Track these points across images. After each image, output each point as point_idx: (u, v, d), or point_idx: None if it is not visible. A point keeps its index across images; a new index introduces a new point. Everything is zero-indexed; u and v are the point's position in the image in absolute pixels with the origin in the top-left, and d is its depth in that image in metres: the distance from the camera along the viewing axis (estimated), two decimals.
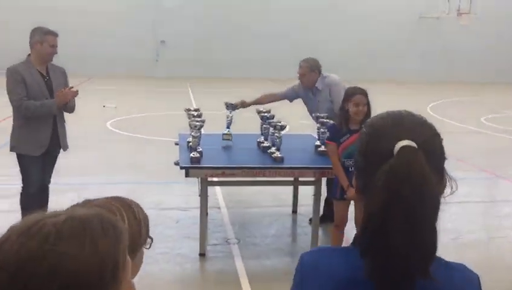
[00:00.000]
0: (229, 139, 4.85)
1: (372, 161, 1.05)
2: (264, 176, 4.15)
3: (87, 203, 1.19)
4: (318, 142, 4.70)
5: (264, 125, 4.70)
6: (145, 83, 18.82)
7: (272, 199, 5.93)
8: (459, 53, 23.10)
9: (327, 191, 4.78)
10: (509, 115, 13.53)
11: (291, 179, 4.79)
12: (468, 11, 21.34)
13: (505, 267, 4.37)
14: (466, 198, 6.29)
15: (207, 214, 4.39)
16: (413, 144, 1.02)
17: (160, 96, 15.86)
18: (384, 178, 0.99)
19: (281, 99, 5.32)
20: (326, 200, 4.91)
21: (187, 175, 4.08)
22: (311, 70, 4.91)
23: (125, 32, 21.33)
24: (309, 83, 4.93)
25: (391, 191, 0.97)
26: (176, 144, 5.17)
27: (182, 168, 4.05)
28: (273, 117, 4.64)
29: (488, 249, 4.80)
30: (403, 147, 1.01)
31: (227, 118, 5.03)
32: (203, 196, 4.26)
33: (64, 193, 5.72)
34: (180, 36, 21.82)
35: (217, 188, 5.94)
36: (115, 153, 8.23)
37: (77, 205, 1.13)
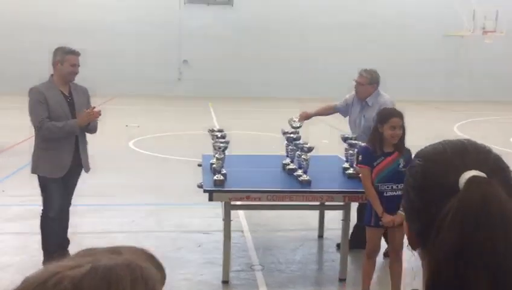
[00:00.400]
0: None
1: (433, 197, 0.87)
2: (290, 200, 3.98)
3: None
4: (346, 164, 4.51)
5: (290, 147, 4.53)
6: (167, 103, 18.90)
7: (296, 222, 5.73)
8: (484, 72, 22.69)
9: (357, 217, 4.57)
10: None
11: (317, 203, 4.60)
12: (494, 29, 20.99)
13: None
14: None
15: (230, 239, 4.21)
16: (483, 174, 0.85)
17: (182, 115, 15.86)
18: (452, 217, 0.81)
19: (335, 112, 5.21)
20: (356, 226, 4.70)
21: (211, 199, 3.93)
22: (370, 82, 4.71)
23: (148, 51, 21.56)
24: (362, 94, 4.73)
25: (464, 232, 0.79)
26: (199, 165, 5.04)
27: (205, 191, 3.90)
28: (299, 138, 4.48)
29: None
30: (472, 178, 0.84)
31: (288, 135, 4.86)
32: (227, 220, 4.09)
33: (84, 215, 5.64)
34: (203, 56, 21.95)
35: (240, 211, 5.78)
36: (136, 173, 8.14)
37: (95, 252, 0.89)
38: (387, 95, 4.75)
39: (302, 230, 5.58)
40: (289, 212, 5.56)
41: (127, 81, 21.08)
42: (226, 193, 3.90)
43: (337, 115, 5.43)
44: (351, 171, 4.38)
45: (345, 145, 4.52)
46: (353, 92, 4.95)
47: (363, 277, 3.87)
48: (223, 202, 4.15)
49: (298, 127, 4.68)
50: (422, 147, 1.01)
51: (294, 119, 4.75)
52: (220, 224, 5.59)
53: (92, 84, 4.61)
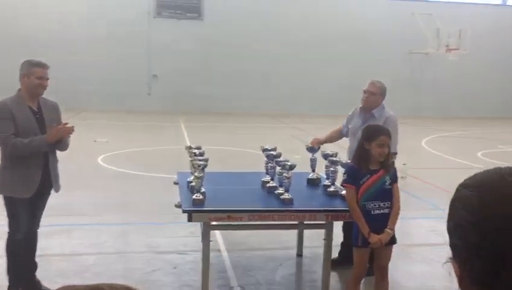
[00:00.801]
0: (317, 184, 4.61)
1: (495, 230, 0.78)
2: (272, 219, 3.84)
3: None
4: (327, 182, 4.42)
5: (270, 164, 4.41)
6: (137, 118, 18.57)
7: (274, 240, 5.59)
8: (448, 88, 23.28)
9: (344, 235, 4.49)
10: (504, 150, 13.44)
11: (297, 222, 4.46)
12: (457, 47, 21.60)
13: None
14: None
15: (209, 261, 4.04)
16: None
17: (152, 130, 15.59)
18: None
19: (343, 137, 5.05)
20: (343, 244, 4.62)
21: (190, 219, 3.76)
22: (381, 93, 4.68)
23: (117, 66, 21.23)
24: (372, 104, 4.63)
25: None
26: (175, 183, 4.87)
27: (184, 211, 3.73)
28: (280, 155, 4.37)
29: None
30: None
31: (311, 161, 4.70)
32: (206, 242, 3.92)
33: (51, 236, 5.36)
34: (173, 70, 21.77)
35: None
36: (106, 190, 7.86)
37: None
38: (391, 112, 4.71)
39: (280, 249, 5.46)
40: (266, 230, 5.44)
41: (95, 96, 20.67)
42: (206, 213, 3.74)
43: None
44: (332, 189, 4.30)
45: (326, 162, 4.43)
46: (354, 109, 4.86)
47: None
48: (202, 223, 3.98)
49: (316, 150, 4.62)
50: (466, 178, 0.91)
51: (310, 145, 4.68)
52: (195, 244, 5.42)
53: (60, 99, 4.36)
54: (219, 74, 22.04)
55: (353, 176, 3.59)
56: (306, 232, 5.14)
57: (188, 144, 12.44)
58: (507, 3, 24.42)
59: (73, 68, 20.08)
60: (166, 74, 21.83)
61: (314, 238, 5.56)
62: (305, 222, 4.18)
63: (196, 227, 5.90)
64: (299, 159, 6.97)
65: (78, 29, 20.77)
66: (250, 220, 3.82)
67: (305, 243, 5.23)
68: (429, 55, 22.75)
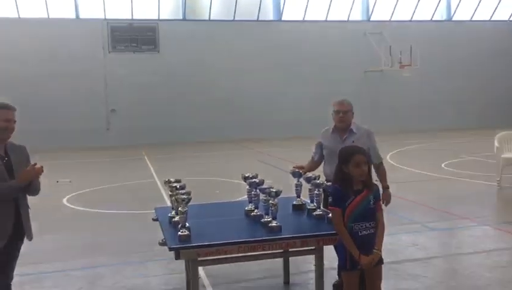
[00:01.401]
0: (303, 209, 4.48)
1: None
2: (263, 249, 3.72)
3: None
4: (312, 206, 4.35)
5: (253, 192, 4.30)
6: (98, 154, 18.14)
7: (257, 270, 5.43)
8: (404, 103, 23.91)
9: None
10: (466, 159, 13.81)
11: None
12: (409, 63, 22.30)
13: None
14: (458, 250, 6.07)
15: None
16: None
17: (116, 166, 15.22)
18: None
19: (319, 165, 4.92)
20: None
21: (178, 257, 3.58)
22: (351, 109, 4.71)
23: (74, 102, 20.79)
24: (348, 122, 4.67)
25: None
26: (154, 219, 4.67)
27: (171, 249, 3.55)
28: (263, 182, 4.27)
29: None
30: None
31: (296, 186, 4.57)
32: (194, 280, 3.75)
33: (21, 287, 5.03)
34: (131, 104, 21.50)
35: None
36: (75, 232, 7.51)
37: None
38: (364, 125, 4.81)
39: (265, 278, 5.30)
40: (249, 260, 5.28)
41: (52, 134, 20.10)
42: (194, 248, 3.57)
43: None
44: (318, 212, 4.22)
45: (309, 186, 4.36)
46: (323, 132, 4.87)
47: None
48: (188, 259, 3.81)
49: (301, 175, 4.50)
50: None
51: (295, 172, 4.55)
52: (177, 281, 5.22)
53: (17, 140, 4.08)
54: (180, 105, 21.89)
55: (338, 198, 3.53)
56: (291, 258, 5.03)
57: (155, 177, 12.26)
58: (452, 19, 25.48)
59: (30, 108, 19.48)
60: (124, 108, 21.50)
61: (299, 264, 5.46)
62: (293, 249, 4.05)
63: (175, 264, 5.68)
64: (272, 184, 6.87)
65: (34, 69, 20.30)
66: (240, 252, 3.68)
67: (291, 269, 5.12)
68: (384, 72, 23.38)
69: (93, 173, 13.46)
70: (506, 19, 26.11)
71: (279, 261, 5.23)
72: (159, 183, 11.48)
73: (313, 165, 4.90)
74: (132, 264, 5.89)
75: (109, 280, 5.36)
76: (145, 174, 12.84)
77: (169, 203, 8.54)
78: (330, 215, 4.04)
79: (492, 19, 25.72)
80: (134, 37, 21.92)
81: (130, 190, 10.95)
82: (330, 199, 3.65)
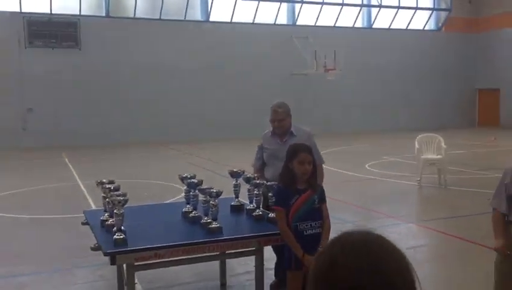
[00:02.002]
0: (242, 210, 4.37)
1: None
2: (204, 252, 3.61)
3: None
4: (251, 206, 4.30)
5: (191, 193, 4.18)
6: (14, 156, 17.02)
7: (192, 273, 5.29)
8: (329, 106, 24.63)
9: (277, 256, 4.37)
10: (388, 160, 14.43)
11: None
12: (333, 67, 23.01)
13: None
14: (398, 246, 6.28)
15: None
16: None
17: (34, 168, 14.34)
18: None
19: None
20: (278, 264, 4.51)
21: (113, 262, 3.39)
22: (287, 114, 4.59)
23: None
24: (287, 128, 4.57)
25: None
26: (84, 223, 4.41)
27: (106, 254, 3.35)
28: (201, 183, 4.16)
29: None
30: None
31: (235, 187, 4.43)
32: (131, 285, 3.57)
33: None
34: (50, 103, 20.41)
35: (124, 269, 5.17)
36: None
37: None
38: (305, 126, 4.73)
39: (200, 281, 5.19)
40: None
41: None
42: (132, 253, 3.39)
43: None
44: (257, 212, 4.18)
45: (248, 186, 4.31)
46: (263, 135, 4.78)
47: None
48: (124, 264, 3.63)
49: (240, 175, 4.37)
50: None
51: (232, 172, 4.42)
52: (108, 288, 4.96)
53: None
54: (103, 105, 21.10)
55: (282, 197, 3.51)
56: (227, 260, 4.95)
57: (78, 180, 11.69)
58: (372, 27, 26.63)
59: None
60: (43, 107, 20.35)
61: (235, 265, 5.39)
62: (235, 251, 3.98)
63: (105, 270, 5.42)
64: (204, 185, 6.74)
65: None
66: (180, 255, 3.55)
67: (228, 271, 5.04)
68: (309, 76, 23.94)
69: (10, 176, 12.58)
70: (421, 28, 27.71)
71: (213, 263, 5.14)
72: (82, 186, 10.96)
73: (262, 173, 4.72)
74: (58, 271, 5.53)
75: (36, 289, 4.99)
76: (67, 177, 12.21)
77: (94, 207, 8.20)
78: (270, 215, 4.02)
79: (408, 28, 27.18)
80: (54, 32, 20.79)
81: (51, 194, 10.35)
82: (273, 199, 3.62)
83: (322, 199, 3.62)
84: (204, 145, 19.51)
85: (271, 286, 4.73)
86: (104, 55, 21.17)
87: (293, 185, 3.51)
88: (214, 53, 22.70)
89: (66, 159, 15.80)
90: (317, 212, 3.55)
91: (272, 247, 4.12)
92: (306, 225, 3.49)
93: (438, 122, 25.72)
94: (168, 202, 8.22)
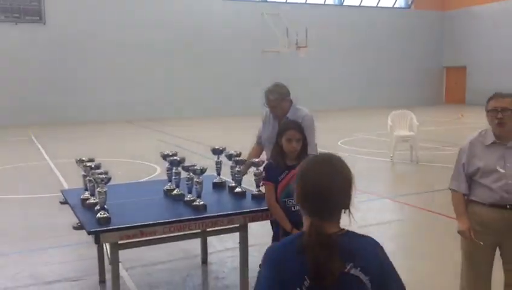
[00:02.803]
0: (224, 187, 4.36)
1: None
2: (189, 229, 3.58)
3: None
4: (233, 183, 4.28)
5: (174, 170, 4.12)
6: None
7: (172, 251, 5.27)
8: (301, 84, 24.65)
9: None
10: (359, 137, 14.62)
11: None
12: (305, 44, 22.96)
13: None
14: (363, 222, 6.39)
15: (119, 285, 3.63)
16: None
17: (2, 147, 13.91)
18: None
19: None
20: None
21: (98, 241, 3.33)
22: (282, 99, 4.25)
23: None
24: (282, 112, 4.27)
25: None
26: (62, 202, 4.31)
27: (90, 233, 3.29)
28: (184, 160, 4.11)
29: (410, 271, 4.80)
30: None
31: (217, 164, 4.35)
32: (115, 264, 3.52)
33: None
34: (14, 80, 19.74)
35: (105, 248, 5.11)
36: None
37: None
38: (306, 108, 4.40)
39: (181, 259, 5.17)
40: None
41: None
42: (116, 231, 3.33)
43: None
44: (239, 189, 4.16)
45: (231, 163, 4.28)
46: (264, 113, 4.51)
47: None
48: (107, 243, 3.57)
49: (221, 152, 4.34)
50: None
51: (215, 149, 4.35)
52: (88, 268, 4.90)
53: None
54: (69, 81, 20.57)
55: (271, 173, 3.50)
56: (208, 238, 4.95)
57: (47, 159, 11.41)
58: (343, 4, 26.62)
59: None
60: (6, 84, 19.68)
61: (216, 243, 5.40)
62: (219, 228, 3.96)
63: (83, 249, 5.35)
64: None
65: None
66: (165, 233, 3.52)
67: (209, 249, 5.05)
68: (281, 53, 23.84)
69: None
70: (391, 6, 27.89)
71: (194, 242, 5.13)
72: (52, 165, 10.72)
73: (259, 150, 4.56)
74: (35, 251, 5.42)
75: (11, 269, 4.88)
76: (36, 156, 11.92)
77: (67, 186, 8.03)
78: (255, 192, 4.02)
79: (379, 5, 27.31)
80: (16, 6, 20.01)
81: (20, 174, 10.09)
82: (263, 174, 3.60)
83: None
84: (176, 123, 19.32)
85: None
86: (70, 29, 20.55)
87: (282, 161, 3.50)
88: (184, 30, 22.33)
89: (34, 138, 15.39)
90: None
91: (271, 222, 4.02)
92: (293, 201, 3.48)
93: (406, 100, 26.14)
94: (145, 180, 8.13)
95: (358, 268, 1.64)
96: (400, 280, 1.78)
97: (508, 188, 3.01)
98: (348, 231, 1.70)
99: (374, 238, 1.74)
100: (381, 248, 1.72)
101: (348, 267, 1.63)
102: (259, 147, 4.54)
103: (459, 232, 3.20)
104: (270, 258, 1.69)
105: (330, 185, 1.66)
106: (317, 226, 1.65)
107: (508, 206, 3.04)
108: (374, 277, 1.66)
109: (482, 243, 3.11)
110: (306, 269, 1.61)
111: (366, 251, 1.69)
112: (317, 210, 1.68)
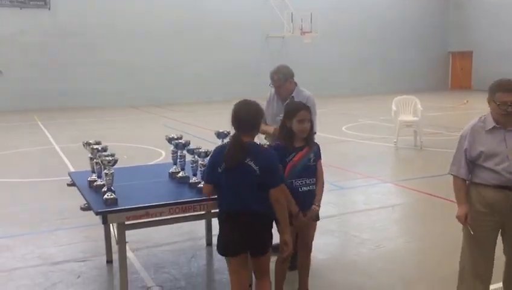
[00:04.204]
0: None
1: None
2: (194, 211, 3.65)
3: None
4: None
5: (179, 153, 4.18)
6: None
7: (178, 233, 5.37)
8: (305, 69, 24.56)
9: None
10: (364, 123, 14.63)
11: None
12: (310, 30, 22.88)
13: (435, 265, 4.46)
14: (367, 206, 6.46)
15: (126, 265, 3.71)
16: None
17: (6, 132, 14.02)
18: None
19: None
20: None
21: (105, 221, 3.41)
22: (285, 80, 4.42)
23: None
24: (287, 93, 4.44)
25: None
26: (70, 184, 4.39)
27: (97, 213, 3.37)
28: (189, 143, 4.16)
29: (413, 253, 4.88)
30: None
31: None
32: (122, 244, 3.60)
33: None
34: (20, 65, 19.79)
35: (112, 229, 5.20)
36: None
37: None
38: (307, 91, 4.55)
39: (186, 241, 5.26)
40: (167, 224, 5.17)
41: None
42: (123, 212, 3.41)
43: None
44: None
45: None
46: (269, 94, 4.66)
47: (277, 281, 3.73)
48: (115, 224, 3.65)
49: (226, 136, 4.21)
50: None
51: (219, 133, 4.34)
52: (94, 248, 5.01)
53: None
54: (75, 67, 20.58)
55: (280, 154, 3.54)
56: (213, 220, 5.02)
57: (53, 143, 11.51)
58: None
59: None
60: (12, 70, 19.74)
61: (216, 225, 5.46)
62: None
63: (89, 231, 5.46)
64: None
65: None
66: (171, 214, 3.59)
67: (215, 231, 5.12)
68: (286, 38, 23.77)
69: None
70: None
71: (199, 224, 5.22)
72: (58, 149, 10.83)
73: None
74: (42, 233, 5.53)
75: (20, 250, 4.99)
76: (42, 141, 12.03)
77: (72, 169, 8.13)
78: None
79: None
80: None
81: (27, 158, 10.21)
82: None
83: (318, 155, 3.66)
84: (180, 108, 19.37)
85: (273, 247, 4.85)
86: (75, 15, 20.51)
87: (291, 143, 3.55)
88: (188, 14, 22.25)
89: (39, 123, 15.50)
90: (312, 169, 3.61)
91: None
92: (301, 182, 3.54)
93: (411, 86, 26.05)
94: (154, 163, 8.21)
95: (253, 161, 3.03)
96: (278, 175, 3.15)
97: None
98: (255, 143, 3.17)
99: (273, 152, 3.28)
100: (274, 154, 3.23)
101: (247, 160, 3.03)
102: (262, 126, 4.63)
103: (456, 217, 3.27)
104: (212, 154, 3.28)
105: (245, 114, 3.11)
106: (236, 135, 3.11)
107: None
108: (261, 167, 3.03)
109: (472, 232, 3.21)
110: (224, 157, 3.07)
111: (261, 154, 3.09)
112: (238, 127, 3.12)
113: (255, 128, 3.14)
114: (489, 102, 3.16)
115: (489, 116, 3.19)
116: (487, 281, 3.32)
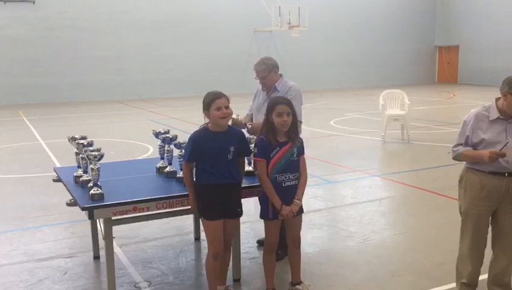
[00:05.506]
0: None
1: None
2: (181, 205, 3.63)
3: None
4: None
5: (166, 148, 4.15)
6: None
7: (165, 228, 5.36)
8: (293, 63, 24.57)
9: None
10: (352, 117, 14.67)
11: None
12: (298, 24, 22.85)
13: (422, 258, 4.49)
14: (354, 200, 6.49)
15: (113, 260, 3.68)
16: None
17: None
18: None
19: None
20: None
21: (91, 217, 3.37)
22: (269, 71, 4.44)
23: None
24: (271, 84, 4.47)
25: None
26: (55, 180, 4.34)
27: (83, 209, 3.33)
28: (176, 137, 4.13)
29: (399, 246, 4.90)
30: None
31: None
32: (109, 240, 3.57)
33: None
34: (3, 60, 19.51)
35: (99, 225, 5.16)
36: None
37: None
38: (292, 82, 4.57)
39: (174, 236, 5.24)
40: (155, 219, 5.14)
41: None
42: (110, 207, 3.38)
43: None
44: None
45: None
46: (257, 88, 4.73)
47: (267, 273, 3.74)
48: (101, 219, 3.62)
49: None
50: None
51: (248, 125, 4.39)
52: (80, 244, 4.97)
53: None
54: (60, 62, 20.35)
55: (263, 149, 3.54)
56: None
57: (39, 139, 11.38)
58: None
59: None
60: None
61: None
62: None
63: (75, 227, 5.42)
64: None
65: None
66: (158, 209, 3.56)
67: (201, 226, 5.10)
68: (273, 32, 23.72)
69: None
70: None
71: (186, 219, 5.21)
72: (44, 144, 10.71)
73: (248, 119, 4.74)
74: (29, 229, 5.46)
75: (5, 247, 4.92)
76: (27, 137, 11.89)
77: (59, 164, 8.04)
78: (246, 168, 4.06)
79: None
80: None
81: (11, 153, 10.07)
82: (255, 150, 3.64)
83: (301, 151, 3.66)
84: (168, 103, 19.26)
85: (258, 241, 4.86)
86: (60, 9, 20.27)
87: (273, 138, 3.54)
88: (175, 8, 22.10)
89: (24, 118, 15.31)
90: (296, 164, 3.61)
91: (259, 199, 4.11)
92: (285, 177, 3.55)
93: (398, 80, 26.20)
94: (140, 158, 8.15)
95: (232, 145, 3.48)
96: (250, 150, 3.72)
97: (509, 158, 3.24)
98: (232, 127, 3.63)
99: (244, 132, 3.80)
100: (244, 136, 3.66)
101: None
102: (248, 117, 4.74)
103: (489, 157, 3.18)
104: (193, 139, 3.57)
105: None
106: None
107: (506, 174, 3.29)
108: (236, 146, 3.48)
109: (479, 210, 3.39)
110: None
111: (238, 134, 3.59)
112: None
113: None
114: (505, 95, 3.23)
115: (494, 106, 3.33)
116: (481, 257, 3.50)
